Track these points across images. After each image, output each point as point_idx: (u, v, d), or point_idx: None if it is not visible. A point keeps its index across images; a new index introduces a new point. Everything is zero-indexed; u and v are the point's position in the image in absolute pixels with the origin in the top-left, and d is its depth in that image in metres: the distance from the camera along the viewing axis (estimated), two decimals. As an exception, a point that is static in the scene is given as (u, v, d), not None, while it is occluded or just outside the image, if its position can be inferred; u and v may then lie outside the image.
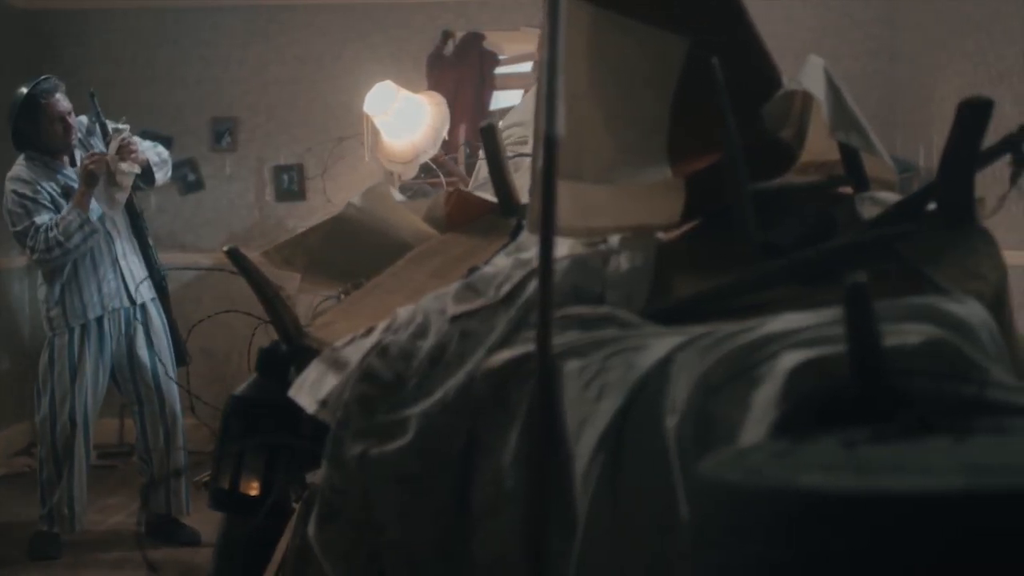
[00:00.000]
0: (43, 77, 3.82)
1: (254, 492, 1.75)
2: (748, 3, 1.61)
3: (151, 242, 4.00)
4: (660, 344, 1.29)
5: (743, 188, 1.46)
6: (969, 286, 1.30)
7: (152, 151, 3.93)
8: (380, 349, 1.54)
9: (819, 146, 1.68)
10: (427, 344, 1.53)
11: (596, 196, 1.66)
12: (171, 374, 3.86)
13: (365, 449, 1.47)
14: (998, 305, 1.30)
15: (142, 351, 3.87)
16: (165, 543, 3.83)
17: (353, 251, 2.05)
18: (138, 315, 3.87)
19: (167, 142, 5.56)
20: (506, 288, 1.56)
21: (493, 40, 5.37)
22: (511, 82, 5.40)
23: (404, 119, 4.25)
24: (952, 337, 1.11)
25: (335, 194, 5.13)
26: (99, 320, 3.80)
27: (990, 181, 1.51)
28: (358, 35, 5.53)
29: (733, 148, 1.47)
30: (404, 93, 4.30)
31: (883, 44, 5.61)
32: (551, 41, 1.48)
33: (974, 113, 1.38)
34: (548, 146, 1.39)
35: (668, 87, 1.59)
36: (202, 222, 5.57)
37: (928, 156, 5.25)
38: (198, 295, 5.18)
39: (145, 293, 3.87)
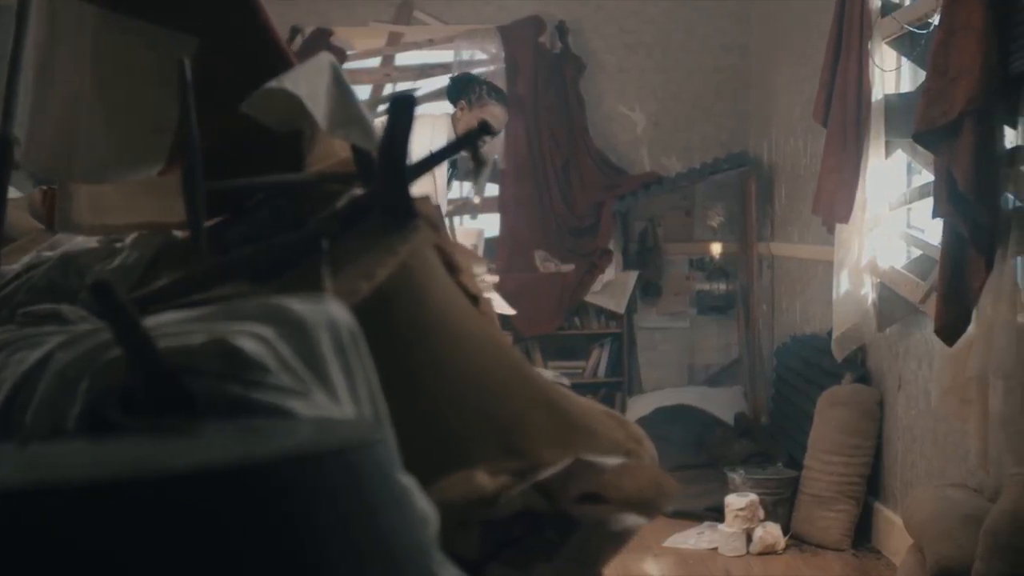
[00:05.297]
0: None
1: None
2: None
3: None
4: (51, 341, 1.33)
5: (196, 184, 1.50)
6: (352, 285, 1.33)
7: None
8: None
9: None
10: (-92, 342, 1.56)
11: (112, 194, 1.70)
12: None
13: None
14: (381, 303, 1.33)
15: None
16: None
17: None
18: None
19: (23, 138, 5.61)
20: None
21: (342, 36, 5.39)
22: (359, 77, 5.43)
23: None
24: (275, 335, 1.14)
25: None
26: None
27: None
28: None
29: (192, 144, 1.51)
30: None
31: (735, 39, 5.64)
32: (16, 42, 1.52)
33: (399, 108, 1.41)
34: (2, 146, 1.43)
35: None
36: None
37: (771, 150, 5.29)
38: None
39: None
